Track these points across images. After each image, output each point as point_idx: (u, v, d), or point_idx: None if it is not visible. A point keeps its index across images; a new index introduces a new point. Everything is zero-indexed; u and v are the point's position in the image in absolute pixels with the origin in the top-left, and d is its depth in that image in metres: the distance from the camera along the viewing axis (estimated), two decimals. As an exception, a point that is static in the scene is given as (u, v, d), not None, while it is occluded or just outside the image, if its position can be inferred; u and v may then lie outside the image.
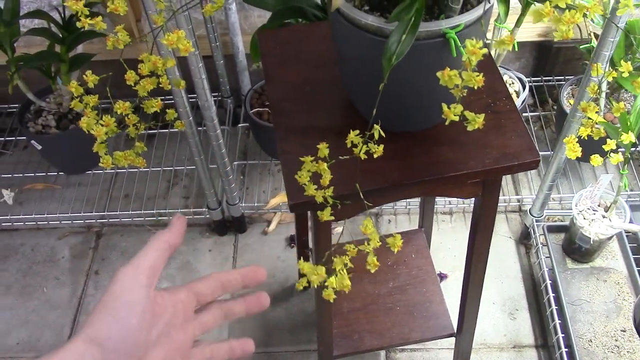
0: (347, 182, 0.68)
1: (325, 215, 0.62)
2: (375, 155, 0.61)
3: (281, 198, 1.65)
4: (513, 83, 1.58)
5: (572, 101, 1.53)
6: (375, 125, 0.62)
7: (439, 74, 0.47)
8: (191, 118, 1.32)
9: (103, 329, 0.43)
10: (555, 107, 1.76)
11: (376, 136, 0.61)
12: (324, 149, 0.63)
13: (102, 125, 0.59)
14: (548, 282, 1.39)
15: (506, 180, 1.70)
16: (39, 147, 1.59)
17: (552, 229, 1.47)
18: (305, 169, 0.62)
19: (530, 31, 1.67)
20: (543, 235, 1.46)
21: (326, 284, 0.62)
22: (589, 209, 1.36)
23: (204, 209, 1.64)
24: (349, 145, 0.63)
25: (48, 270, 1.63)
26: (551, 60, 1.78)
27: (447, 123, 0.49)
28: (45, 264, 1.64)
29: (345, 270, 0.63)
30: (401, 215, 1.67)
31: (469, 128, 0.48)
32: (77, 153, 1.66)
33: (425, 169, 0.78)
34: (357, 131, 0.62)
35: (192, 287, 0.51)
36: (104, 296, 0.45)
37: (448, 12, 0.66)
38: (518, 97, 1.54)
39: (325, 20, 1.12)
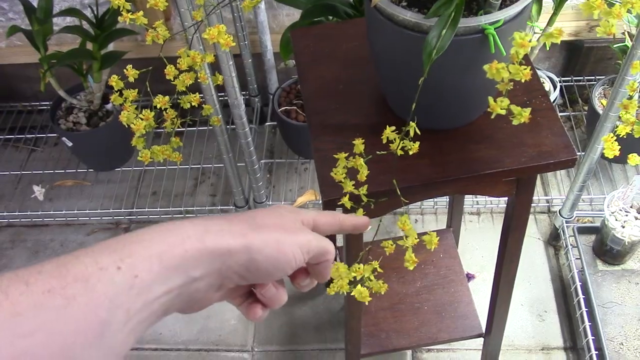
0: (381, 179, 0.67)
1: (359, 214, 0.62)
2: (410, 152, 0.60)
3: (308, 196, 1.65)
4: (544, 82, 1.57)
5: (604, 101, 1.51)
6: (411, 122, 0.62)
7: (486, 67, 0.47)
8: (220, 116, 1.33)
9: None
10: (586, 108, 1.74)
11: (411, 133, 0.61)
12: (359, 144, 0.62)
13: (141, 119, 0.59)
14: (578, 283, 1.37)
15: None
16: (70, 144, 1.61)
17: (583, 231, 1.46)
18: (340, 165, 0.62)
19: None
20: (573, 237, 1.44)
21: (356, 288, 0.62)
22: (621, 210, 1.34)
23: (231, 207, 1.64)
24: (384, 142, 0.63)
25: (77, 265, 1.64)
26: (582, 60, 1.76)
27: (492, 117, 0.48)
28: (75, 260, 1.66)
29: (373, 276, 0.63)
30: (428, 215, 1.66)
31: (515, 122, 0.48)
32: (106, 150, 1.67)
33: (460, 167, 0.77)
34: (393, 127, 0.62)
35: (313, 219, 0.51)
36: (273, 210, 0.47)
37: (487, 8, 0.66)
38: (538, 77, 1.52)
39: (357, 17, 1.12)
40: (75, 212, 1.68)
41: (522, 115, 0.46)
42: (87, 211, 1.69)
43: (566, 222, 1.47)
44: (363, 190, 0.61)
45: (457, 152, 0.79)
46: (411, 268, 0.57)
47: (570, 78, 1.77)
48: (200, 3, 0.63)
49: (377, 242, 0.70)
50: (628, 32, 1.40)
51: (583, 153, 1.37)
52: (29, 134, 1.87)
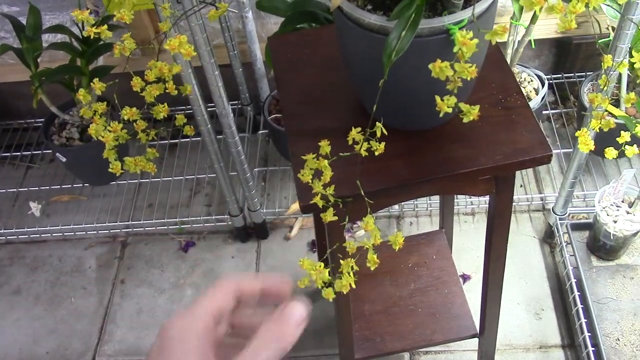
0: (351, 181, 0.68)
1: (329, 216, 0.62)
2: (376, 153, 0.61)
3: (302, 203, 1.65)
4: (532, 80, 1.57)
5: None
6: (377, 122, 0.62)
7: (430, 65, 0.47)
8: (209, 126, 1.34)
9: None
10: (576, 104, 1.74)
11: (378, 134, 0.61)
12: (325, 146, 0.63)
13: (110, 131, 0.60)
14: (573, 280, 1.37)
15: (528, 179, 1.68)
16: (64, 159, 1.63)
17: (576, 227, 1.45)
18: (307, 166, 0.63)
19: (548, 28, 1.65)
20: (567, 234, 1.44)
21: (334, 285, 0.62)
22: (612, 205, 1.33)
23: (226, 216, 1.65)
24: (350, 143, 0.63)
25: (75, 280, 1.66)
26: (571, 56, 1.76)
27: (440, 115, 0.49)
28: (73, 274, 1.67)
29: (352, 273, 0.63)
30: (423, 217, 1.66)
31: (465, 120, 0.48)
32: (100, 164, 1.67)
33: (434, 167, 0.77)
34: (359, 128, 0.63)
35: (233, 291, 0.48)
36: (160, 340, 0.42)
37: (451, 8, 0.66)
38: (537, 94, 1.53)
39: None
40: (72, 227, 1.69)
41: (471, 112, 0.46)
42: (84, 225, 1.70)
43: (560, 219, 1.47)
44: (330, 190, 0.62)
45: (432, 153, 0.79)
46: (372, 269, 0.57)
47: (560, 75, 1.77)
48: (166, 15, 0.64)
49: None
50: (613, 27, 1.40)
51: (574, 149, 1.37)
52: (25, 151, 1.89)
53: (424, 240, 1.38)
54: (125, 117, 0.61)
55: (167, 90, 0.64)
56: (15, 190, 1.82)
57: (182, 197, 1.77)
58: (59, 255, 1.72)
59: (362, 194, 0.62)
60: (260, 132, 1.83)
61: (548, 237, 1.56)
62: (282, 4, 1.16)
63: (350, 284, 0.61)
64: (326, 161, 0.59)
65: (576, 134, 0.77)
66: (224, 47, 1.68)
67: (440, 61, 0.46)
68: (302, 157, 0.63)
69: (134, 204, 1.77)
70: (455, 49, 0.46)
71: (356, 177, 0.64)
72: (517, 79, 1.56)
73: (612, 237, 1.31)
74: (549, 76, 1.73)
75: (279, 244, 1.66)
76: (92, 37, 0.58)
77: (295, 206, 1.65)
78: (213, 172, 1.73)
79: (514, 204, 1.61)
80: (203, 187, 1.80)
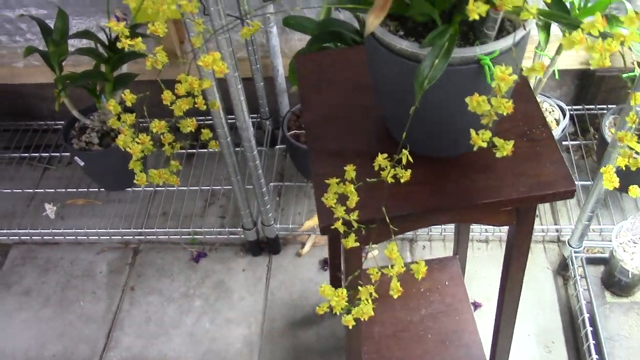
0: (375, 206, 0.68)
1: (350, 242, 0.62)
2: (402, 180, 0.61)
3: (316, 221, 1.65)
4: (553, 111, 1.56)
5: (613, 130, 1.50)
6: (403, 149, 0.62)
7: (467, 99, 0.47)
8: (229, 139, 1.34)
9: None
10: (596, 136, 1.73)
11: (404, 161, 0.61)
12: (350, 170, 0.63)
13: (138, 143, 0.60)
14: (586, 315, 1.35)
15: (544, 210, 1.67)
16: (82, 164, 1.63)
17: (591, 261, 1.44)
18: (331, 191, 0.63)
19: (572, 59, 1.65)
20: (582, 267, 1.43)
21: (352, 312, 0.62)
22: (629, 241, 1.32)
23: (239, 229, 1.65)
24: (376, 169, 0.63)
25: (85, 284, 1.66)
26: (593, 88, 1.75)
27: (474, 149, 0.48)
28: (83, 278, 1.67)
29: (370, 299, 0.63)
30: (436, 242, 1.65)
31: (498, 155, 0.48)
32: (118, 170, 1.69)
33: (457, 196, 0.77)
34: (385, 155, 0.62)
35: None
36: None
37: (483, 39, 0.66)
38: (558, 125, 1.52)
39: (362, 44, 1.13)
40: (86, 230, 1.70)
41: (505, 148, 0.46)
42: (98, 230, 1.70)
43: (575, 252, 1.46)
44: (354, 216, 0.61)
45: (456, 181, 0.79)
46: (395, 297, 0.57)
47: (581, 107, 1.76)
48: (199, 30, 0.64)
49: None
50: (638, 62, 1.40)
51: (593, 182, 1.36)
52: (44, 152, 1.90)
53: (437, 266, 1.38)
54: (154, 130, 0.61)
55: (195, 105, 0.64)
56: (31, 190, 1.83)
57: (197, 207, 1.77)
58: (71, 258, 1.72)
59: (388, 220, 0.62)
60: (277, 146, 1.83)
61: (562, 269, 1.54)
62: (309, 22, 1.17)
63: (368, 311, 0.61)
64: (352, 186, 0.59)
65: (601, 171, 0.76)
66: (246, 60, 1.69)
67: (477, 95, 0.46)
68: (326, 180, 0.63)
69: (148, 211, 1.77)
70: (493, 84, 0.46)
71: (381, 203, 0.64)
72: (539, 109, 1.56)
73: (628, 274, 1.29)
74: (569, 107, 1.72)
75: (291, 260, 1.66)
76: (126, 48, 0.59)
77: (309, 223, 1.65)
78: (229, 183, 1.73)
79: (529, 233, 1.60)
80: (218, 199, 1.80)
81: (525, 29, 0.66)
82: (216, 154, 1.84)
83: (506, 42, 0.66)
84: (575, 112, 1.76)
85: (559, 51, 1.36)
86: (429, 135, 0.77)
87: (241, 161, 1.42)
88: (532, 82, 1.48)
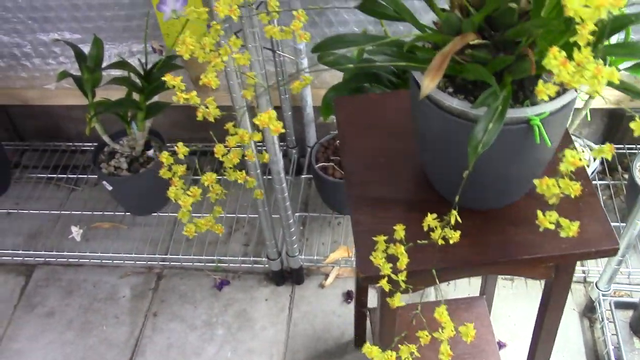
0: (418, 258, 0.67)
1: (396, 301, 0.62)
2: (451, 242, 0.60)
3: (341, 253, 1.65)
4: (583, 151, 1.56)
5: (645, 174, 1.49)
6: (452, 210, 0.62)
7: (536, 182, 0.47)
8: (259, 170, 1.34)
9: None
10: (625, 176, 1.71)
11: (452, 222, 0.61)
12: (400, 230, 0.63)
13: (189, 195, 0.61)
14: (614, 360, 1.33)
15: (571, 249, 1.66)
16: (110, 188, 1.65)
17: (620, 305, 1.42)
18: (379, 249, 0.62)
19: (602, 99, 1.64)
20: (610, 311, 1.41)
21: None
22: (660, 288, 1.31)
23: (263, 258, 1.65)
24: (425, 229, 0.63)
25: (108, 308, 1.66)
26: (622, 127, 1.75)
27: (540, 229, 0.48)
28: (106, 302, 1.68)
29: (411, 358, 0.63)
30: (461, 279, 1.64)
31: (562, 234, 0.48)
32: (145, 195, 1.70)
33: (499, 250, 0.77)
34: (435, 215, 0.62)
35: None
36: None
37: (533, 99, 0.66)
38: (588, 166, 1.51)
39: (400, 86, 1.14)
40: (111, 254, 1.71)
41: (571, 229, 0.46)
42: (122, 254, 1.71)
43: (603, 295, 1.44)
44: (402, 276, 0.61)
45: (496, 234, 0.79)
46: (447, 362, 0.56)
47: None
48: (251, 82, 0.65)
49: (410, 306, 0.69)
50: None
51: (622, 224, 1.35)
52: (71, 173, 1.92)
53: (463, 305, 1.36)
54: (206, 184, 0.61)
55: (245, 157, 0.65)
56: (57, 212, 1.84)
57: (221, 234, 1.78)
58: (94, 281, 1.73)
59: (437, 281, 0.62)
60: (303, 176, 1.84)
61: (589, 312, 1.52)
62: (345, 60, 1.17)
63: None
64: (403, 247, 0.58)
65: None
66: (275, 89, 1.70)
67: (547, 178, 0.46)
68: (374, 238, 0.63)
69: (173, 237, 1.78)
70: (562, 168, 0.46)
71: (430, 264, 0.64)
72: (569, 149, 1.55)
73: (658, 322, 1.28)
74: (597, 145, 1.72)
75: (314, 291, 1.66)
76: (181, 102, 0.59)
77: (334, 255, 1.65)
78: (253, 211, 1.74)
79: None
80: (242, 226, 1.81)
81: (576, 90, 0.66)
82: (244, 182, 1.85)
83: (557, 104, 0.66)
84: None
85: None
86: (472, 189, 0.76)
87: (267, 189, 1.42)
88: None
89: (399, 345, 0.62)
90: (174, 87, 0.60)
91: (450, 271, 0.76)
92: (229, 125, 0.67)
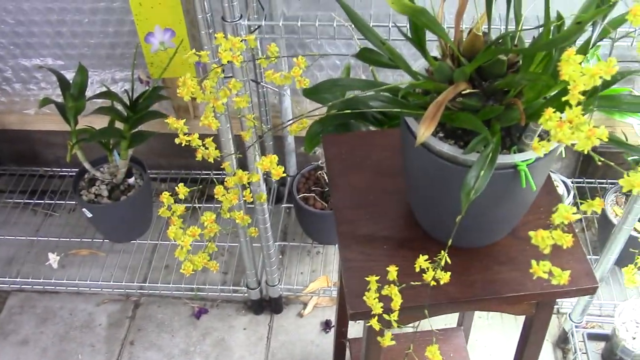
0: (410, 299, 0.69)
1: (387, 340, 0.64)
2: (442, 282, 0.63)
3: (320, 283, 1.66)
4: (557, 186, 1.60)
5: (616, 209, 1.54)
6: (443, 252, 0.65)
7: (532, 234, 0.50)
8: (242, 201, 1.35)
9: None
10: (597, 211, 1.76)
11: (442, 263, 0.63)
12: (393, 271, 0.65)
13: (189, 235, 0.62)
14: (587, 392, 1.37)
15: (545, 281, 1.69)
16: (90, 215, 1.64)
17: (592, 337, 1.46)
18: (372, 289, 0.64)
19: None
20: (583, 342, 1.45)
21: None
22: (632, 321, 1.35)
23: (242, 287, 1.65)
24: (417, 270, 0.65)
25: (84, 336, 1.65)
26: (593, 163, 1.80)
27: (534, 278, 0.51)
28: (82, 330, 1.66)
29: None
30: (438, 308, 1.66)
31: (553, 282, 0.50)
32: (125, 223, 1.70)
33: (483, 287, 0.79)
34: (426, 256, 0.65)
35: None
36: None
37: (521, 146, 0.70)
38: (562, 201, 1.56)
39: (384, 124, 1.17)
40: (88, 282, 1.70)
41: (562, 277, 0.48)
42: (99, 282, 1.70)
43: (576, 326, 1.48)
44: (394, 316, 0.63)
45: (481, 272, 0.81)
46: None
47: (582, 179, 1.81)
48: (250, 125, 0.67)
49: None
50: None
51: (593, 256, 1.39)
52: (49, 199, 1.90)
53: (441, 337, 1.39)
54: (205, 224, 0.63)
55: (244, 198, 0.66)
56: (34, 238, 1.83)
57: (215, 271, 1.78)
58: (70, 308, 1.71)
59: (428, 318, 0.64)
60: (283, 205, 1.85)
61: (562, 342, 1.56)
62: (331, 96, 1.20)
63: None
64: (396, 289, 0.61)
65: (623, 270, 0.79)
66: (258, 119, 1.72)
67: (542, 230, 0.49)
68: (366, 278, 0.65)
69: (152, 264, 1.77)
70: (556, 221, 0.49)
71: (424, 306, 0.66)
72: (543, 183, 1.59)
73: (631, 354, 1.31)
74: (571, 179, 1.77)
75: (292, 320, 1.66)
76: (183, 144, 0.61)
77: (314, 285, 1.66)
78: (233, 240, 1.74)
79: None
80: (222, 254, 1.81)
81: (560, 138, 0.69)
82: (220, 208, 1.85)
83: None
84: (576, 184, 1.80)
85: (567, 132, 1.40)
86: (459, 229, 0.79)
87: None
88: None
89: None
90: (176, 128, 0.61)
91: (436, 307, 0.79)
92: (226, 164, 0.69)
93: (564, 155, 1.44)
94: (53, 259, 1.72)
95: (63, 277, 1.72)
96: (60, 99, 1.58)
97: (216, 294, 1.70)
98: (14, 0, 1.60)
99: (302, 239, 1.79)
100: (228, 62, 0.62)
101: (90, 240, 1.79)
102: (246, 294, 1.64)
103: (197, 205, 1.86)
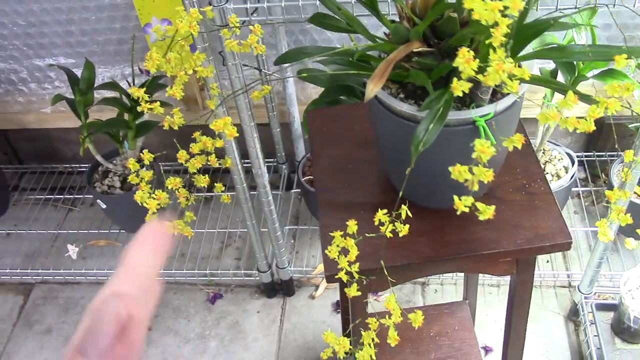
0: (376, 257, 0.72)
1: (352, 291, 0.66)
2: (400, 234, 0.65)
3: (329, 264, 1.69)
4: (562, 159, 1.59)
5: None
6: (402, 205, 0.66)
7: (450, 168, 0.51)
8: (244, 184, 1.39)
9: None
10: (607, 183, 1.75)
11: (403, 216, 0.65)
12: (352, 225, 0.67)
13: (154, 199, 0.65)
14: (596, 361, 1.36)
15: (555, 255, 1.69)
16: (104, 206, 1.69)
17: (602, 307, 1.45)
18: (335, 243, 0.67)
19: (581, 107, 1.68)
20: (591, 313, 1.44)
21: (356, 357, 0.66)
22: (638, 288, 1.34)
23: (254, 271, 1.69)
24: (376, 223, 0.67)
25: (104, 323, 1.70)
26: (604, 135, 1.79)
27: (458, 213, 0.52)
28: (102, 318, 1.71)
29: (372, 345, 0.67)
30: (448, 285, 1.67)
31: (480, 218, 0.52)
32: (138, 213, 1.74)
33: (457, 246, 0.81)
34: (385, 210, 0.67)
35: None
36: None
37: (478, 102, 0.71)
38: (567, 172, 1.55)
39: (372, 98, 1.18)
40: (106, 271, 1.75)
41: (487, 212, 0.50)
42: (117, 271, 1.75)
43: (585, 297, 1.47)
44: (355, 267, 0.65)
45: (456, 233, 0.83)
46: (392, 345, 0.60)
47: (592, 153, 1.79)
48: (214, 93, 0.70)
49: (381, 314, 0.73)
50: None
51: (601, 229, 1.38)
52: (68, 194, 1.97)
53: (447, 310, 1.40)
54: (169, 187, 0.66)
55: (209, 162, 0.69)
56: (55, 231, 1.89)
57: (214, 249, 1.82)
58: (91, 298, 1.74)
59: (386, 272, 0.66)
60: (293, 190, 1.88)
61: (573, 315, 1.55)
62: (322, 74, 1.22)
63: (370, 356, 0.65)
64: (353, 241, 0.63)
65: (596, 224, 0.79)
66: (264, 107, 1.75)
67: (459, 165, 0.51)
68: (331, 233, 0.67)
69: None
70: (474, 155, 0.50)
71: (380, 255, 0.68)
72: (548, 157, 1.59)
73: (637, 321, 1.31)
74: (580, 154, 1.76)
75: (304, 302, 1.69)
76: (145, 111, 0.64)
77: (322, 267, 1.68)
78: (244, 226, 1.78)
79: (539, 279, 1.62)
80: (234, 241, 1.85)
81: (518, 93, 0.71)
82: (233, 197, 1.89)
83: (499, 105, 0.70)
84: (586, 158, 1.79)
85: (565, 102, 1.40)
86: (429, 189, 0.81)
87: (256, 204, 1.46)
88: (540, 130, 1.52)
89: (345, 338, 0.66)
90: (138, 97, 0.64)
91: (411, 268, 0.80)
92: (197, 134, 0.72)
93: (561, 127, 1.43)
94: (72, 250, 1.78)
95: (82, 267, 1.78)
96: (72, 96, 1.64)
97: (230, 279, 1.74)
98: (23, 2, 1.66)
99: (313, 223, 1.82)
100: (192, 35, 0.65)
101: (107, 231, 1.85)
102: (258, 278, 1.68)
103: (209, 194, 1.91)
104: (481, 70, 0.67)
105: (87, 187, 1.75)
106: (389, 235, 0.63)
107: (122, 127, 1.56)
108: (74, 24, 1.71)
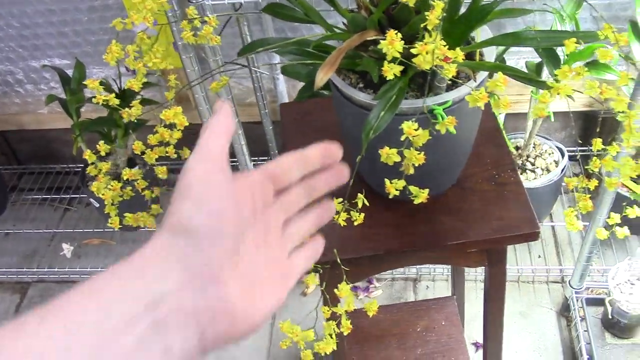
0: (334, 248, 0.71)
1: (311, 280, 0.66)
2: (355, 223, 0.64)
3: (320, 260, 1.69)
4: (553, 153, 1.58)
5: (613, 172, 1.51)
6: (359, 194, 0.66)
7: (380, 151, 0.51)
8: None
9: (187, 216, 0.36)
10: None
11: (359, 204, 0.65)
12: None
13: (110, 189, 0.66)
14: (585, 357, 1.35)
15: (548, 250, 1.68)
16: (97, 205, 1.71)
17: (592, 302, 1.44)
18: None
19: (575, 101, 1.67)
20: (582, 308, 1.43)
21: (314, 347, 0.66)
22: (626, 282, 1.32)
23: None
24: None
25: (98, 322, 1.71)
26: (598, 129, 1.77)
27: (390, 196, 0.52)
28: (97, 316, 1.72)
29: (334, 336, 0.67)
30: (440, 282, 1.66)
31: (415, 201, 0.52)
32: (130, 211, 1.76)
33: (422, 238, 0.80)
34: (340, 199, 0.67)
35: (266, 169, 0.45)
36: (179, 187, 0.38)
37: (435, 90, 0.71)
38: (557, 166, 1.54)
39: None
40: (100, 270, 1.76)
41: (420, 195, 0.50)
42: (111, 269, 1.76)
43: (576, 292, 1.46)
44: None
45: (424, 223, 0.82)
46: (345, 334, 0.60)
47: (586, 147, 1.78)
48: (172, 85, 0.70)
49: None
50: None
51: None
52: (65, 194, 1.99)
53: (434, 306, 1.39)
54: (126, 177, 0.66)
55: (167, 154, 0.70)
56: (52, 231, 1.91)
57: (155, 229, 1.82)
58: (86, 296, 1.78)
59: (339, 261, 0.66)
60: (286, 188, 1.88)
61: (565, 310, 1.54)
62: (304, 69, 1.23)
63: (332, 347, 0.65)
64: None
65: (563, 213, 0.79)
66: (255, 105, 1.75)
67: (387, 148, 0.50)
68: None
69: (161, 251, 1.83)
70: (402, 138, 0.50)
71: (333, 245, 0.68)
72: (538, 151, 1.58)
73: (626, 316, 1.29)
74: (574, 148, 1.74)
75: (296, 299, 1.69)
76: (100, 102, 0.65)
77: (314, 263, 1.68)
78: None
79: (532, 274, 1.61)
80: (228, 239, 1.85)
81: (475, 80, 0.70)
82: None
83: (457, 93, 0.70)
84: (580, 153, 1.77)
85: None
86: (392, 179, 0.81)
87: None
88: (529, 124, 1.51)
89: (323, 323, 0.66)
90: (92, 89, 0.65)
91: (377, 260, 0.80)
92: (158, 127, 0.72)
93: (551, 119, 1.42)
94: (67, 249, 1.79)
95: (78, 266, 1.80)
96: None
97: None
98: (17, 4, 1.68)
99: (306, 221, 1.82)
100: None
101: (101, 230, 1.86)
102: (250, 275, 1.68)
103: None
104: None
105: (82, 186, 1.76)
106: (342, 223, 0.63)
107: (110, 126, 1.57)
108: (67, 25, 1.72)
